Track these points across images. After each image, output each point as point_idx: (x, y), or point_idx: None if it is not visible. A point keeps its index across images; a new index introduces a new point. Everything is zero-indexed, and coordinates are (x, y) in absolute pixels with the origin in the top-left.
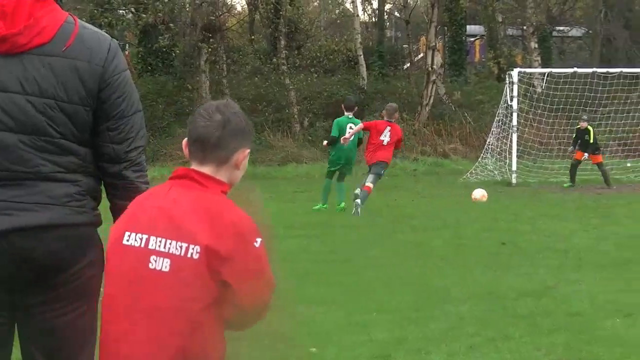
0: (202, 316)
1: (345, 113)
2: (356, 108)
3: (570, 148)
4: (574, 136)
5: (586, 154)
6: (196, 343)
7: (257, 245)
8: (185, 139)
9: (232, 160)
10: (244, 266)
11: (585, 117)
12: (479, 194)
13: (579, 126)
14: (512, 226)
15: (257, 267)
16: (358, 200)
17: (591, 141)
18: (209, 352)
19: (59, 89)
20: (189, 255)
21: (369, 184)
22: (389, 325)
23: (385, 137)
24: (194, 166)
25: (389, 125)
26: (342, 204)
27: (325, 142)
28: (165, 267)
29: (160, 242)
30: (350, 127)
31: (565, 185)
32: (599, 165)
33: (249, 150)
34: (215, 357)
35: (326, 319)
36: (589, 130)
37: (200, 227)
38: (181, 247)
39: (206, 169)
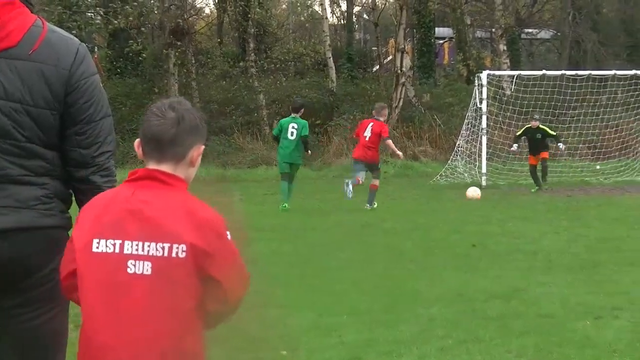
0: (192, 315)
1: (292, 114)
2: (302, 109)
3: (514, 146)
4: (517, 133)
5: (561, 145)
6: (188, 343)
7: (229, 238)
8: (138, 139)
9: (188, 157)
10: (226, 260)
11: (536, 116)
12: (474, 192)
13: (529, 125)
14: (482, 228)
15: (237, 260)
16: (369, 206)
17: (546, 137)
18: (198, 352)
19: (25, 93)
20: (173, 254)
21: (375, 181)
22: (359, 327)
23: (367, 133)
24: (151, 166)
25: (372, 122)
26: (286, 205)
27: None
28: (147, 270)
29: (137, 245)
30: (293, 127)
31: (532, 190)
32: (544, 160)
33: (203, 147)
34: (204, 356)
35: (296, 321)
36: (543, 129)
37: (182, 226)
38: (163, 247)
39: (164, 168)
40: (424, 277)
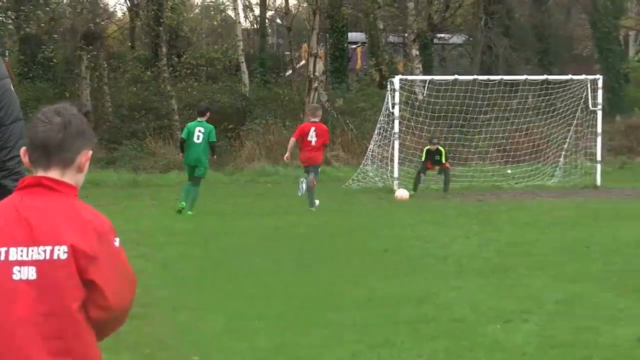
0: (81, 316)
1: (198, 118)
2: (208, 113)
3: (422, 177)
4: (423, 159)
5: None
6: (80, 344)
7: (117, 244)
8: (24, 147)
9: (76, 162)
10: (109, 264)
11: (435, 140)
12: (403, 193)
13: (428, 147)
14: (393, 233)
15: (121, 266)
16: (312, 208)
17: (443, 161)
18: (91, 354)
19: None
20: (55, 257)
21: (314, 178)
22: (271, 332)
23: (312, 138)
24: (39, 173)
25: (314, 126)
26: (183, 203)
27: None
28: (32, 275)
29: (22, 251)
30: (200, 131)
31: (411, 192)
32: (446, 170)
33: (91, 152)
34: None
35: (207, 326)
36: (441, 151)
37: (63, 228)
38: (45, 250)
39: (52, 174)
40: (336, 281)
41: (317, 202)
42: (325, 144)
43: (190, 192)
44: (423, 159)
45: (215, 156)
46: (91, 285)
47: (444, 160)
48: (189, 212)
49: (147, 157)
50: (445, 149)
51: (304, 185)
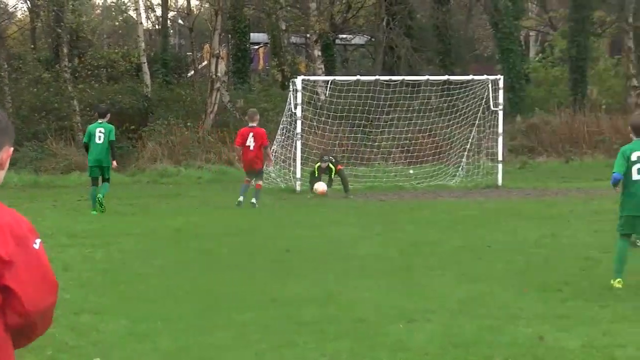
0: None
1: (98, 119)
2: (109, 114)
3: (309, 196)
4: (315, 175)
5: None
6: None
7: (36, 246)
8: None
9: None
10: (26, 269)
11: (325, 158)
12: (322, 187)
13: (319, 164)
14: (296, 233)
15: (39, 269)
16: (252, 201)
17: (332, 176)
18: None
19: None
20: None
21: (259, 182)
22: (173, 334)
23: (251, 142)
24: None
25: (252, 131)
26: (94, 212)
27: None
28: None
29: None
30: (101, 132)
31: (308, 196)
32: (341, 171)
33: (12, 149)
34: None
35: (110, 328)
36: (331, 169)
37: None
38: None
39: None
40: (239, 282)
41: (256, 203)
42: (263, 145)
43: (96, 195)
44: (315, 175)
45: (115, 161)
46: (7, 291)
47: (333, 176)
48: (94, 212)
49: (49, 158)
50: (335, 167)
51: (254, 201)
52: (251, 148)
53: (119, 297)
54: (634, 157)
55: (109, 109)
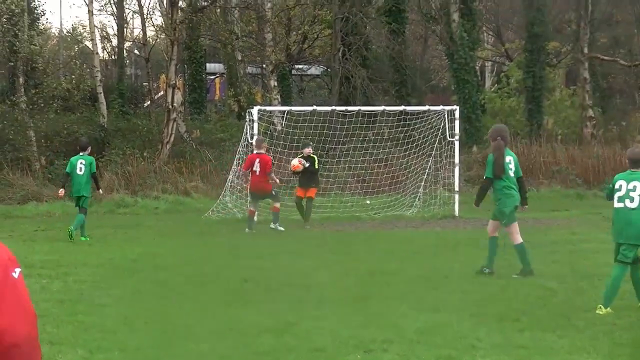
0: None
1: (80, 152)
2: (89, 147)
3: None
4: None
5: None
6: None
7: (15, 275)
8: None
9: None
10: (3, 298)
11: (307, 142)
12: (297, 162)
13: (300, 156)
14: (254, 263)
15: (19, 299)
16: (273, 225)
17: (314, 168)
18: None
19: None
20: None
21: (275, 204)
22: None
23: (257, 168)
24: None
25: (258, 157)
26: (71, 228)
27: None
28: None
29: None
30: (82, 164)
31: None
32: (309, 199)
33: None
34: None
35: (68, 359)
36: (313, 158)
37: None
38: None
39: None
40: (196, 312)
41: (281, 228)
42: (267, 172)
43: (79, 220)
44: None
45: (100, 189)
46: None
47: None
48: (83, 238)
49: (5, 188)
50: (316, 164)
51: (275, 225)
52: (257, 173)
53: (77, 327)
54: (617, 186)
55: (89, 142)
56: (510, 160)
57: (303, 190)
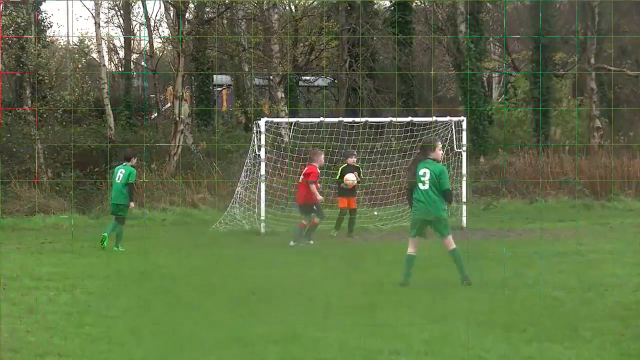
0: None
1: (124, 162)
2: (134, 158)
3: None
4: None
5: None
6: None
7: None
8: None
9: None
10: None
11: (351, 151)
12: (351, 177)
13: (346, 165)
14: (262, 273)
15: None
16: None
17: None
18: None
19: None
20: None
21: (315, 219)
22: None
23: (302, 177)
24: None
25: (307, 166)
26: (105, 234)
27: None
28: None
29: None
30: (121, 172)
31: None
32: (353, 210)
33: None
34: None
35: None
36: (358, 168)
37: None
38: None
39: None
40: (203, 322)
41: (311, 241)
42: (312, 178)
43: (115, 227)
44: (338, 178)
45: (132, 202)
46: None
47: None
48: (118, 248)
49: (12, 200)
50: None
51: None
52: (301, 180)
53: (84, 339)
54: None
55: (135, 153)
56: (425, 172)
57: (346, 199)
